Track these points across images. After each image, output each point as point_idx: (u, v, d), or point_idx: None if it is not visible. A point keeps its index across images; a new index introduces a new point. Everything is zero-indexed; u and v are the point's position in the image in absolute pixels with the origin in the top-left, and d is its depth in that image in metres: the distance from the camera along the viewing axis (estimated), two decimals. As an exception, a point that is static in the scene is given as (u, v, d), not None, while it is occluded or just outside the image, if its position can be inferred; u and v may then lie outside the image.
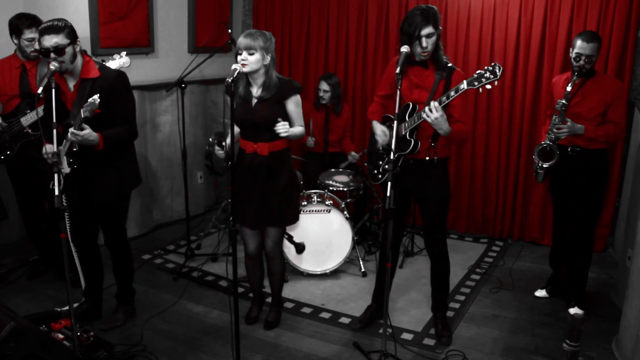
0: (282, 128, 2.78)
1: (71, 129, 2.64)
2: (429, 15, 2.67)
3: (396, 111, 2.57)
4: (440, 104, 2.64)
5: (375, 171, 3.08)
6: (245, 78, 2.92)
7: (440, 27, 2.74)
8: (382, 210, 3.16)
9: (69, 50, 2.66)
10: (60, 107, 2.78)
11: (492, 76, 2.53)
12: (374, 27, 4.81)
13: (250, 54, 2.77)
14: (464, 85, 2.59)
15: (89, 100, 2.55)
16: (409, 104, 2.83)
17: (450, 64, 2.80)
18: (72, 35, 2.69)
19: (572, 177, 3.21)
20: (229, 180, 2.58)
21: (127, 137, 2.92)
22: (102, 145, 2.73)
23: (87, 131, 2.64)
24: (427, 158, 2.88)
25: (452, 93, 2.63)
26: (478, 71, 2.58)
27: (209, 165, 4.42)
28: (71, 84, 2.81)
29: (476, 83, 2.56)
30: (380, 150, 3.05)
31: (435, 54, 2.77)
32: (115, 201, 3.00)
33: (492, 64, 2.55)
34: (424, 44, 2.69)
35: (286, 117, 2.91)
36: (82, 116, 2.56)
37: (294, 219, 3.11)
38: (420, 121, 2.74)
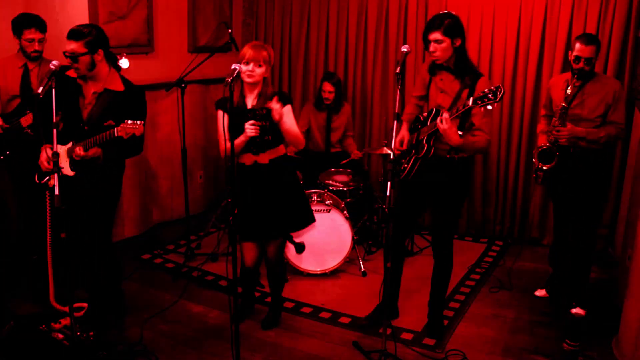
0: (276, 112, 2.72)
1: (81, 151, 2.65)
2: (435, 21, 2.77)
3: (395, 110, 2.64)
4: (451, 116, 2.70)
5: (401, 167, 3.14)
6: (241, 86, 2.90)
7: (459, 38, 2.77)
8: (381, 211, 3.17)
9: (84, 59, 2.67)
10: (74, 110, 2.79)
11: (493, 98, 2.57)
12: (374, 27, 4.81)
13: (259, 66, 2.79)
14: (470, 102, 2.65)
15: (126, 127, 2.54)
16: (433, 109, 2.92)
17: (477, 72, 2.84)
18: (92, 44, 2.68)
19: (574, 177, 3.21)
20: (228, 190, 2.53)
21: (131, 150, 2.94)
22: (101, 159, 2.76)
23: (94, 151, 2.68)
24: (448, 156, 2.91)
25: (461, 108, 2.68)
26: (484, 90, 2.62)
27: None
28: (92, 89, 2.81)
29: (479, 102, 2.63)
30: (399, 150, 3.11)
31: (458, 61, 2.82)
32: (104, 205, 2.96)
33: (497, 86, 2.59)
34: (431, 48, 2.81)
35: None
36: (116, 135, 2.56)
37: (308, 219, 3.10)
38: (435, 128, 2.80)
